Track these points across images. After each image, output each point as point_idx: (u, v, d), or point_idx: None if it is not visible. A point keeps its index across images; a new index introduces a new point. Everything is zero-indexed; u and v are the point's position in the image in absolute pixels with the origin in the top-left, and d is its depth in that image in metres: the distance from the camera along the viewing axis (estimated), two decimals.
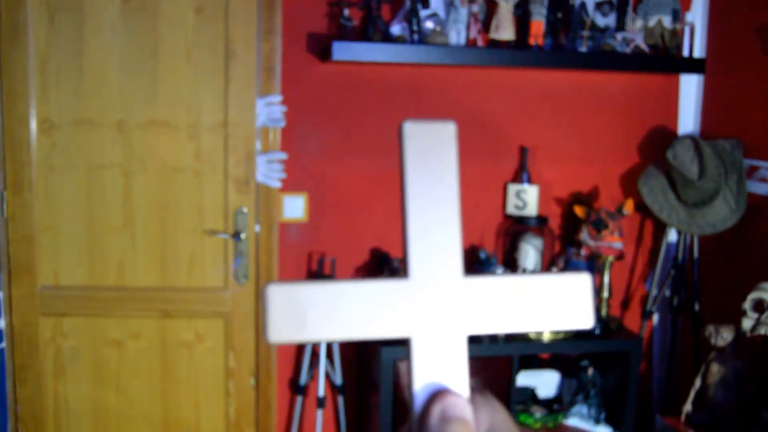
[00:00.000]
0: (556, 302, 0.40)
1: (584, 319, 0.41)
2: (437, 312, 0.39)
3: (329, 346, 2.78)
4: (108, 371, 2.73)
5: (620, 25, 2.81)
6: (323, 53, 2.65)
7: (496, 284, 0.40)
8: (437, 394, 0.38)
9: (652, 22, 2.82)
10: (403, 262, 0.40)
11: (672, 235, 3.00)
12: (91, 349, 2.71)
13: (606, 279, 2.78)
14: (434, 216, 0.39)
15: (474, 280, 0.40)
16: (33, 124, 2.56)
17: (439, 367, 0.39)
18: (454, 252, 0.39)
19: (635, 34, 2.74)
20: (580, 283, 0.41)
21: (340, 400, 2.84)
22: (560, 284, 0.41)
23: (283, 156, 2.70)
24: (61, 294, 2.67)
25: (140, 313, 2.71)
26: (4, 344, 2.63)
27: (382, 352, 2.49)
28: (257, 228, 2.73)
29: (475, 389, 0.40)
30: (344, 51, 2.48)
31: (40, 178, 2.60)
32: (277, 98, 2.67)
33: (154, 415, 2.77)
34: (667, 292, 2.98)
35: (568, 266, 2.87)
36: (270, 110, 2.67)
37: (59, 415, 2.73)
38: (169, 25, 2.57)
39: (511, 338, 2.62)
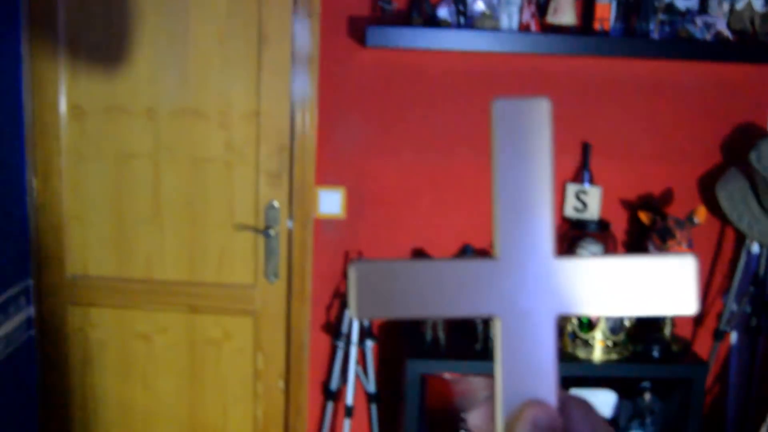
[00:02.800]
0: (654, 285, 0.38)
1: (686, 305, 0.39)
2: (526, 292, 0.38)
3: (361, 351, 2.61)
4: (135, 365, 2.66)
5: (703, 8, 2.47)
6: (362, 39, 2.44)
7: (589, 265, 0.39)
8: (528, 403, 0.37)
9: (740, 5, 2.47)
10: (492, 241, 0.39)
11: (754, 248, 2.65)
12: (119, 341, 2.65)
13: None
14: (525, 196, 0.38)
15: (565, 261, 0.38)
16: (63, 111, 2.48)
17: (527, 349, 0.38)
18: (545, 232, 0.38)
19: (718, 18, 2.39)
20: (684, 265, 0.39)
21: (373, 408, 2.67)
22: (660, 266, 0.39)
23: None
24: (89, 284, 2.61)
25: (168, 307, 2.61)
26: (33, 332, 2.59)
27: (408, 364, 2.30)
28: (289, 224, 2.58)
29: (571, 398, 0.38)
30: (379, 37, 2.26)
31: (69, 166, 2.52)
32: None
33: (181, 414, 2.69)
34: (747, 311, 2.64)
35: None
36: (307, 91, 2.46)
37: (86, 405, 2.69)
38: (200, 8, 2.42)
39: (560, 357, 2.37)
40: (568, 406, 0.38)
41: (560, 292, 0.38)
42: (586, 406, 0.38)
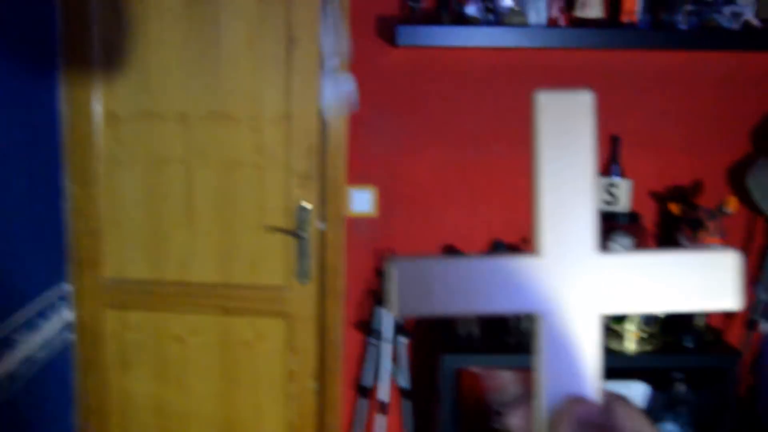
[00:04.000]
0: (698, 281, 0.38)
1: (730, 300, 0.38)
2: (569, 289, 0.38)
3: (394, 348, 2.63)
4: (170, 367, 2.70)
5: None
6: (392, 38, 2.46)
7: (633, 261, 0.38)
8: (571, 399, 0.36)
9: None
10: (534, 237, 0.38)
11: None
12: (154, 343, 2.68)
13: None
14: (568, 191, 0.38)
15: (609, 257, 0.38)
16: (98, 117, 2.52)
17: (570, 347, 0.37)
18: (588, 228, 0.38)
19: (745, 7, 2.39)
20: (727, 260, 0.38)
21: (407, 405, 2.69)
22: (704, 261, 0.38)
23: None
24: (126, 287, 2.65)
25: (201, 309, 2.65)
26: (72, 336, 2.63)
27: (444, 360, 2.32)
28: (321, 225, 2.60)
29: (615, 396, 0.38)
30: (410, 35, 2.28)
31: (105, 172, 2.56)
32: (347, 79, 2.46)
33: (215, 414, 2.72)
34: None
35: None
36: (338, 90, 2.46)
37: (124, 408, 2.73)
38: (229, 12, 2.45)
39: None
40: (612, 404, 0.37)
41: (604, 290, 0.38)
42: (630, 405, 0.38)
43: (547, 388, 0.37)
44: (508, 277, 0.38)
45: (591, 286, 0.38)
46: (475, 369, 2.54)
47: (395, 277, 0.37)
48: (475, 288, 0.38)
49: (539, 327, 0.38)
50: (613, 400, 0.37)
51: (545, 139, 0.38)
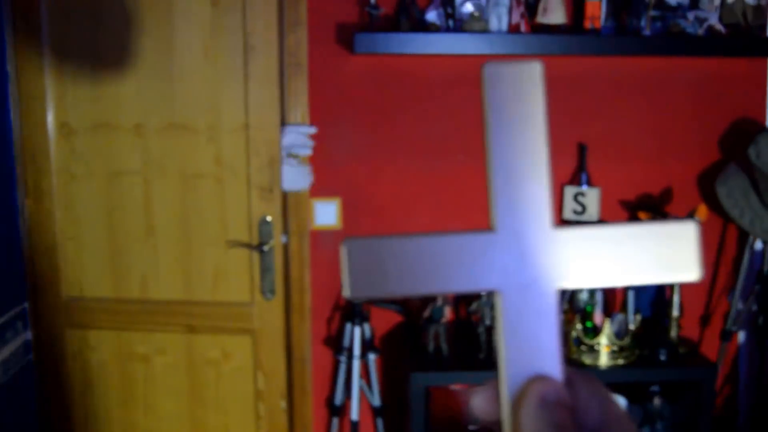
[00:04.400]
0: (657, 253, 0.37)
1: (690, 271, 0.38)
2: (525, 264, 0.37)
3: (364, 364, 2.56)
4: (135, 387, 2.62)
5: (694, 3, 2.44)
6: (351, 45, 2.42)
7: (589, 234, 0.37)
8: (534, 378, 0.36)
9: None
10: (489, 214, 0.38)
11: (758, 245, 2.60)
12: (118, 363, 2.60)
13: (676, 297, 2.42)
14: (521, 165, 0.37)
15: (564, 231, 0.37)
16: (51, 129, 2.46)
17: (529, 323, 0.37)
18: (543, 202, 0.37)
19: (709, 12, 2.36)
20: (685, 231, 0.38)
21: (379, 422, 2.61)
22: (662, 233, 0.38)
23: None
24: (85, 305, 2.57)
25: (165, 327, 2.57)
26: (31, 356, 2.55)
27: (412, 377, 2.25)
28: (284, 239, 2.53)
29: (578, 374, 0.37)
30: (368, 43, 2.24)
31: (60, 186, 2.49)
32: (307, 129, 2.45)
33: None
34: (754, 310, 2.59)
35: None
36: (294, 138, 2.45)
37: (87, 429, 2.64)
38: (184, 20, 2.40)
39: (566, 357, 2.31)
40: (575, 381, 0.36)
41: (561, 263, 0.37)
42: (594, 381, 0.37)
43: (509, 365, 0.36)
44: (464, 255, 0.37)
45: (548, 261, 0.37)
46: (446, 386, 2.47)
47: (347, 257, 0.36)
48: (430, 266, 0.37)
49: (497, 304, 0.37)
50: (576, 376, 0.36)
51: (494, 111, 0.37)
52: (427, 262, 0.37)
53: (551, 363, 0.37)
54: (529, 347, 0.37)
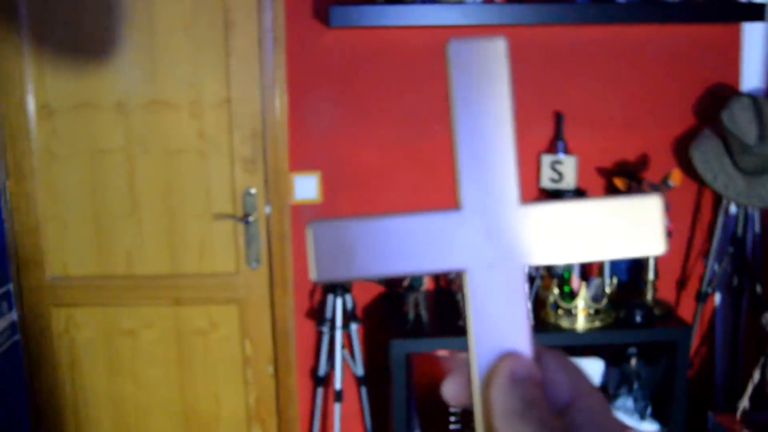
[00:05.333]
0: (623, 227, 0.38)
1: (655, 245, 0.38)
2: (492, 242, 0.37)
3: (347, 335, 2.60)
4: (123, 361, 2.66)
5: None
6: (327, 19, 2.43)
7: (556, 210, 0.37)
8: (503, 355, 0.36)
9: None
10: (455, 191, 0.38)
11: (732, 208, 2.65)
12: (105, 339, 2.64)
13: (651, 259, 2.48)
14: (486, 141, 0.37)
15: (531, 207, 0.37)
16: (31, 110, 2.47)
17: (497, 301, 0.37)
18: (509, 179, 0.37)
19: None
20: (650, 205, 0.38)
21: (363, 391, 2.67)
22: (627, 208, 0.38)
23: None
24: (71, 284, 2.60)
25: (152, 302, 2.61)
26: (18, 336, 2.58)
27: (392, 345, 2.30)
28: (267, 210, 2.57)
29: (547, 350, 0.37)
30: (343, 16, 2.26)
31: (42, 166, 2.51)
32: None
33: (173, 404, 2.69)
34: (728, 271, 2.65)
35: None
36: None
37: (77, 405, 2.68)
38: None
39: (542, 327, 2.37)
40: (544, 357, 0.37)
41: (528, 241, 0.37)
42: (562, 356, 0.38)
43: (479, 345, 0.37)
44: (430, 234, 0.36)
45: (515, 238, 0.37)
46: (427, 352, 2.52)
47: (312, 240, 0.36)
48: (396, 247, 0.36)
49: (465, 283, 0.37)
50: (545, 352, 0.37)
51: (459, 88, 0.37)
52: (393, 243, 0.37)
53: (520, 340, 0.37)
54: (498, 325, 0.37)
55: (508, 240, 0.37)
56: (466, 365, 0.37)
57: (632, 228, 0.38)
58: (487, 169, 0.37)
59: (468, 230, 0.37)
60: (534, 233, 0.37)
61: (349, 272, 0.36)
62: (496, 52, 0.37)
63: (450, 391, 0.39)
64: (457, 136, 0.37)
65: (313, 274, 0.36)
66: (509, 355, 0.36)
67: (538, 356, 0.37)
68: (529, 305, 0.37)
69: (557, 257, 0.38)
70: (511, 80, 0.37)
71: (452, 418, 2.56)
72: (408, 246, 0.36)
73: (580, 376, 0.37)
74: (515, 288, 0.37)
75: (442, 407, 2.59)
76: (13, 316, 2.55)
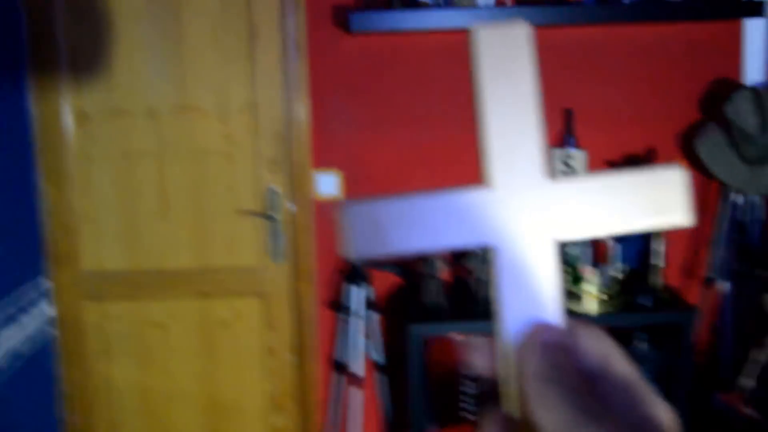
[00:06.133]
0: (648, 199, 0.38)
1: (680, 214, 0.38)
2: (522, 218, 0.37)
3: (366, 323, 2.73)
4: (152, 353, 2.79)
5: None
6: (347, 25, 2.56)
7: (582, 186, 0.38)
8: (536, 325, 0.37)
9: None
10: (484, 170, 0.38)
11: (737, 197, 2.76)
12: (136, 331, 2.78)
13: (661, 247, 2.59)
14: (513, 120, 0.38)
15: (559, 183, 0.38)
16: (68, 117, 2.61)
17: (528, 277, 0.37)
18: (536, 156, 0.38)
19: None
20: (674, 176, 0.38)
21: (382, 378, 2.80)
22: (651, 180, 0.38)
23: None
24: (104, 279, 2.74)
25: (180, 295, 2.75)
26: (53, 330, 2.72)
27: (411, 329, 2.42)
28: (291, 206, 2.70)
29: (580, 322, 0.38)
30: (363, 21, 2.38)
31: (78, 170, 2.65)
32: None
33: (198, 394, 2.82)
34: (734, 258, 2.76)
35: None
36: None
37: (109, 396, 2.82)
38: (191, 7, 2.54)
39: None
40: (575, 328, 0.37)
41: (557, 216, 0.38)
42: (593, 328, 0.38)
43: (508, 320, 0.37)
44: (460, 211, 0.37)
45: (543, 213, 0.38)
46: (445, 336, 2.64)
47: (345, 219, 0.37)
48: (426, 225, 0.37)
49: (494, 259, 0.38)
50: (577, 324, 0.38)
51: (485, 71, 0.38)
52: (423, 221, 0.37)
53: (552, 312, 0.37)
54: (528, 300, 0.37)
55: (536, 216, 0.38)
56: (491, 338, 0.39)
57: (658, 199, 0.38)
58: (514, 147, 0.38)
59: (497, 206, 0.38)
60: (562, 208, 0.38)
61: (381, 250, 0.37)
62: (520, 36, 0.38)
63: (479, 361, 0.40)
64: (483, 116, 0.38)
65: (346, 252, 0.37)
66: (541, 325, 0.37)
67: (569, 327, 0.37)
68: (560, 280, 0.38)
69: (586, 231, 0.38)
70: (535, 61, 0.38)
71: (466, 400, 2.69)
72: (438, 223, 0.37)
73: (611, 346, 0.37)
74: (545, 262, 0.38)
75: (457, 390, 2.72)
76: (50, 310, 2.69)
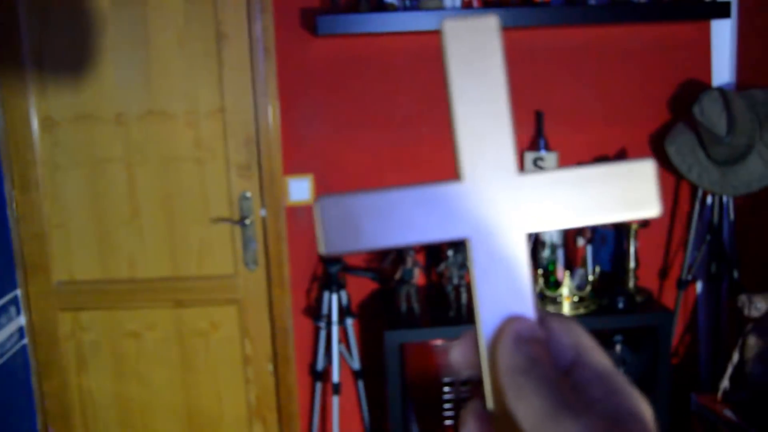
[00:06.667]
0: (619, 192, 0.39)
1: (651, 208, 0.39)
2: (494, 211, 0.38)
3: (343, 330, 2.71)
4: (128, 363, 2.76)
5: None
6: (315, 28, 2.55)
7: (553, 178, 0.38)
8: (508, 318, 0.37)
9: None
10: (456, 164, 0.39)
11: (708, 197, 2.77)
12: (110, 341, 2.74)
13: (632, 248, 2.59)
14: (483, 114, 0.38)
15: (529, 176, 0.38)
16: (35, 123, 2.58)
17: (501, 268, 0.38)
18: (507, 149, 0.38)
19: None
20: (644, 169, 0.39)
21: (360, 384, 2.77)
22: (622, 172, 0.39)
23: None
24: (76, 289, 2.71)
25: (154, 304, 2.71)
26: (26, 341, 2.68)
27: (386, 336, 2.40)
28: (263, 212, 2.68)
29: (551, 313, 0.38)
30: (330, 24, 2.38)
31: (46, 177, 2.62)
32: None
33: (177, 404, 2.78)
34: (706, 259, 2.76)
35: (595, 235, 2.70)
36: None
37: (85, 407, 2.78)
38: (158, 12, 2.53)
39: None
40: (547, 319, 0.38)
41: (528, 208, 0.38)
42: (564, 318, 0.39)
43: (484, 310, 0.38)
44: (433, 204, 0.38)
45: (515, 206, 0.38)
46: (420, 342, 2.62)
47: (320, 214, 0.37)
48: (401, 219, 0.38)
49: (469, 252, 0.38)
50: (548, 315, 0.38)
51: (455, 65, 0.38)
52: (398, 214, 0.37)
53: (524, 304, 0.38)
54: (502, 291, 0.38)
55: (508, 208, 0.38)
56: (470, 333, 0.39)
57: (628, 192, 0.39)
58: (485, 141, 0.38)
59: (469, 200, 0.38)
60: (533, 201, 0.38)
61: (356, 244, 0.37)
62: (489, 29, 0.38)
63: (457, 357, 0.40)
64: (455, 110, 0.38)
65: (321, 247, 0.37)
66: (514, 318, 0.37)
67: (541, 319, 0.38)
68: (531, 271, 0.39)
69: (557, 223, 0.39)
70: (504, 54, 0.38)
71: (446, 406, 2.67)
72: (412, 217, 0.38)
73: (582, 335, 0.38)
74: (518, 254, 0.38)
75: (436, 395, 2.70)
76: (21, 320, 2.66)
